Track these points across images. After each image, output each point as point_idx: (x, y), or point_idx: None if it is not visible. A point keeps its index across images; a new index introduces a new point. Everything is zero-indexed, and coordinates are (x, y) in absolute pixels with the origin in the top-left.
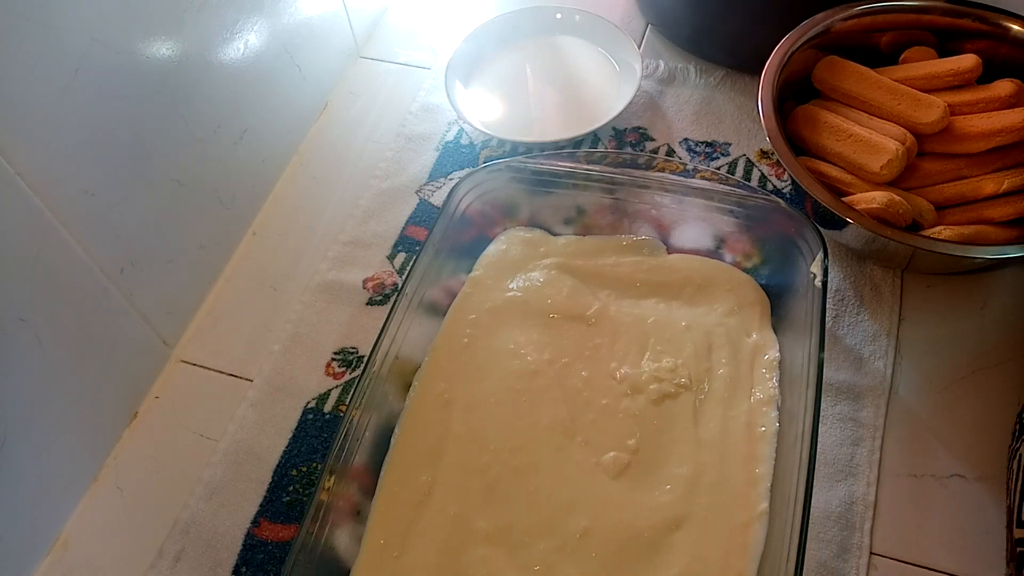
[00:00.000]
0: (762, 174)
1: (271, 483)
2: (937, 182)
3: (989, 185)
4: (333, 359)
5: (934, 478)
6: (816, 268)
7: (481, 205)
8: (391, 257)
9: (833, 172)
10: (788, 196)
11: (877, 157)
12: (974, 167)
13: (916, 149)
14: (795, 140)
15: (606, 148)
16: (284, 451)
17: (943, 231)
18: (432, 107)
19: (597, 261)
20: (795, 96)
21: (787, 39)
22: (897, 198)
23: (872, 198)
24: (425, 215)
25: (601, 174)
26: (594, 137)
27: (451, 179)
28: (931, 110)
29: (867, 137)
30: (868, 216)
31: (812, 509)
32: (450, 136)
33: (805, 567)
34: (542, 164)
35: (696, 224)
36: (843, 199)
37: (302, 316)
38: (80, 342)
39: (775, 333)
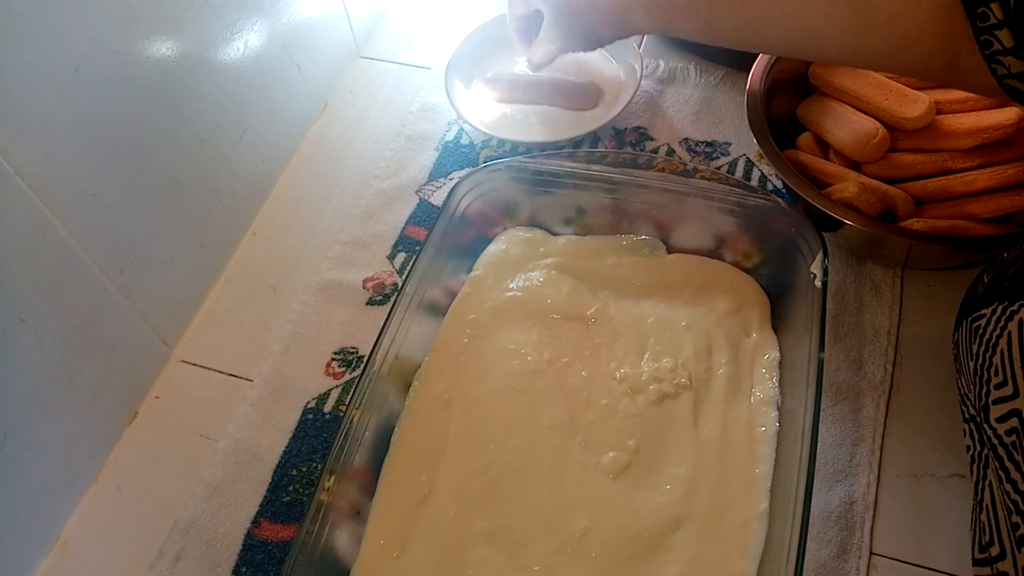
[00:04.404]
0: (762, 174)
1: (271, 483)
2: (920, 175)
3: (981, 180)
4: (333, 359)
5: (934, 478)
6: (816, 268)
7: (481, 205)
8: (391, 257)
9: (817, 164)
10: (788, 196)
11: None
12: (958, 162)
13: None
14: (807, 125)
15: (606, 148)
16: (284, 451)
17: (916, 223)
18: (432, 107)
19: (597, 261)
20: (795, 94)
21: None
22: (868, 186)
23: (844, 187)
24: (425, 215)
25: (601, 174)
26: (594, 137)
27: (451, 179)
28: (916, 105)
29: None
30: (842, 205)
31: (812, 509)
32: (450, 136)
33: (805, 567)
34: (542, 164)
35: (696, 224)
36: (823, 191)
37: (302, 316)
38: (80, 342)
39: (775, 333)
